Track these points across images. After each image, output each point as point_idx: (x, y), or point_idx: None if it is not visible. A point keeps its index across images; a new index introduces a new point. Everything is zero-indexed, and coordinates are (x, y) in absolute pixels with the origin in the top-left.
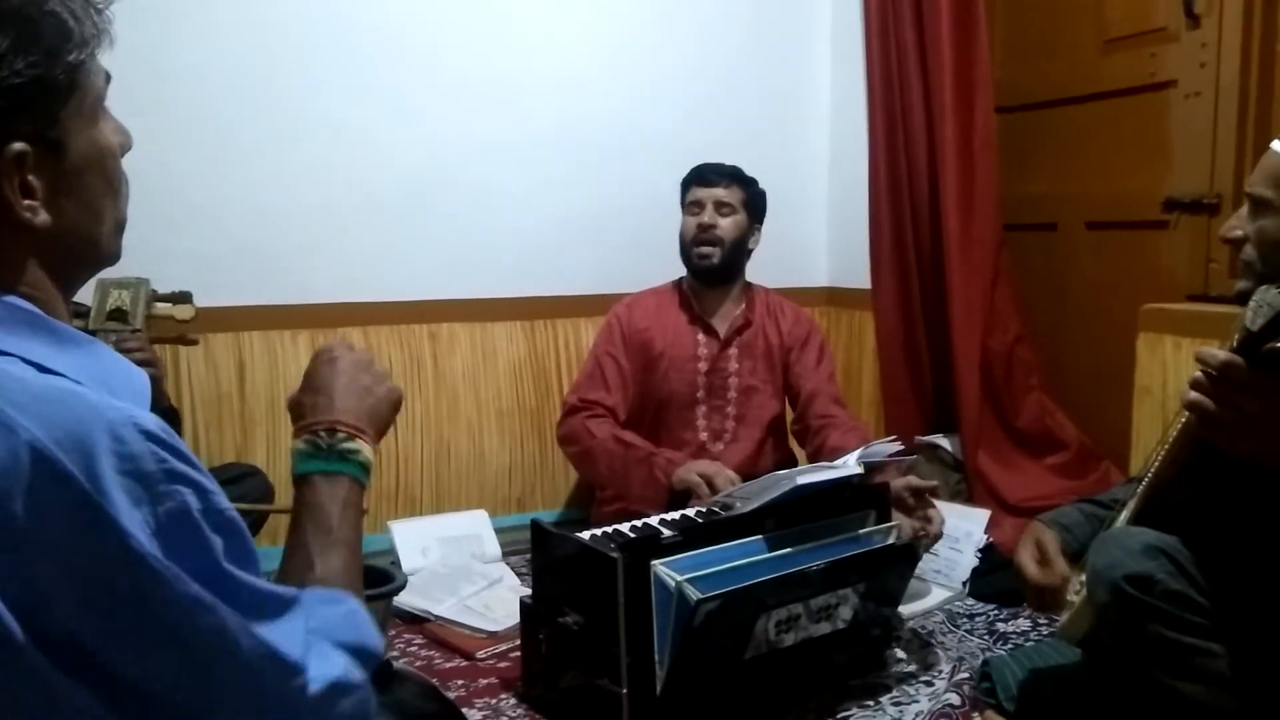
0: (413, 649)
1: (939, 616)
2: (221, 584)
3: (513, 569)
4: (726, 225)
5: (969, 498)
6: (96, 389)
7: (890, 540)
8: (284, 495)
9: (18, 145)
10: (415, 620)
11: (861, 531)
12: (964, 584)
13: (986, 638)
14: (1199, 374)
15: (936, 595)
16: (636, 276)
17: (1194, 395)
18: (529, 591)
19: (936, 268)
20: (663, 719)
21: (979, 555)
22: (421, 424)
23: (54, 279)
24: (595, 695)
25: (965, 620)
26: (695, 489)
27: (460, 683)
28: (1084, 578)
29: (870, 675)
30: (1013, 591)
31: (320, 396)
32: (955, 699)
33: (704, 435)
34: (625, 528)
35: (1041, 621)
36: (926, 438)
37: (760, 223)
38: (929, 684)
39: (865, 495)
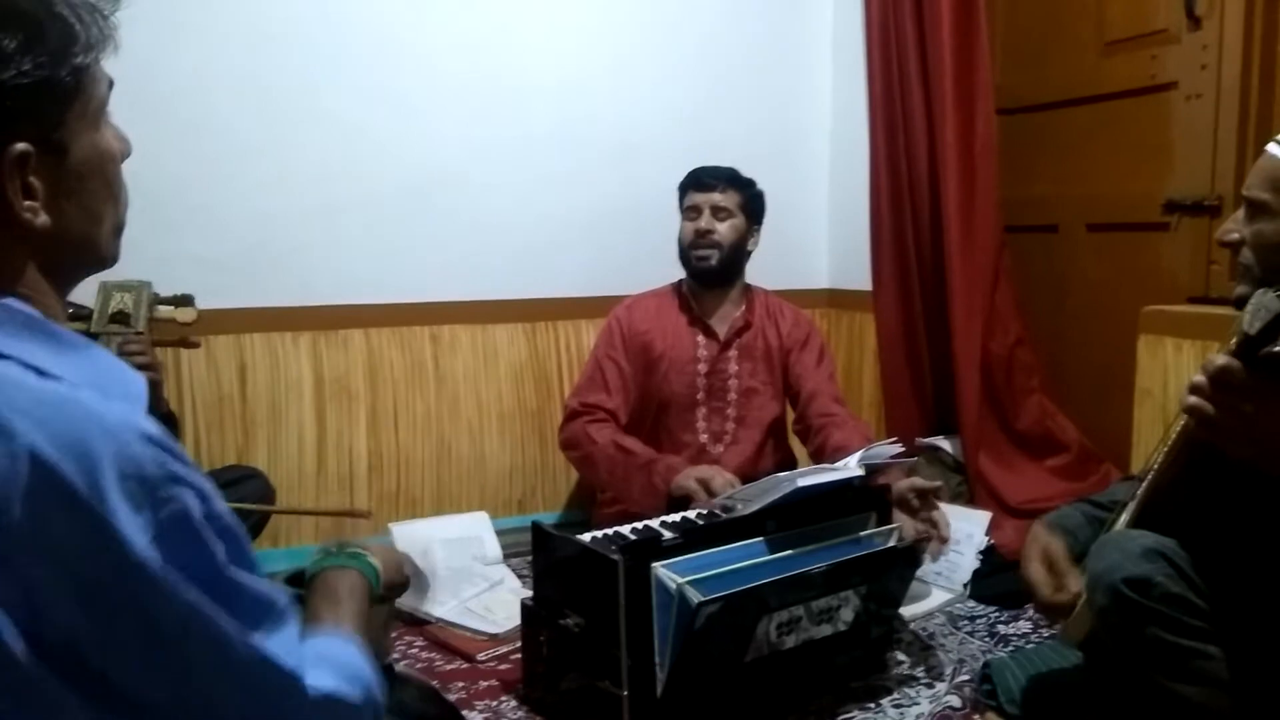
0: (413, 651)
1: (940, 618)
2: (224, 586)
3: (514, 571)
4: (724, 230)
5: (970, 499)
6: (94, 393)
7: (892, 542)
8: (285, 498)
9: (21, 146)
10: (416, 622)
11: (863, 534)
12: (965, 586)
13: (987, 640)
14: (1198, 378)
15: (937, 597)
16: (637, 278)
17: (1192, 399)
18: (530, 594)
19: (937, 269)
20: None
21: (980, 557)
22: (422, 426)
23: (51, 281)
24: (596, 697)
25: (966, 622)
26: (693, 495)
27: (461, 685)
28: (1085, 581)
29: (871, 677)
30: (1014, 594)
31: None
32: (956, 701)
33: (704, 437)
34: (626, 530)
35: (1042, 624)
36: (927, 439)
37: (759, 224)
38: (930, 686)
39: (866, 497)
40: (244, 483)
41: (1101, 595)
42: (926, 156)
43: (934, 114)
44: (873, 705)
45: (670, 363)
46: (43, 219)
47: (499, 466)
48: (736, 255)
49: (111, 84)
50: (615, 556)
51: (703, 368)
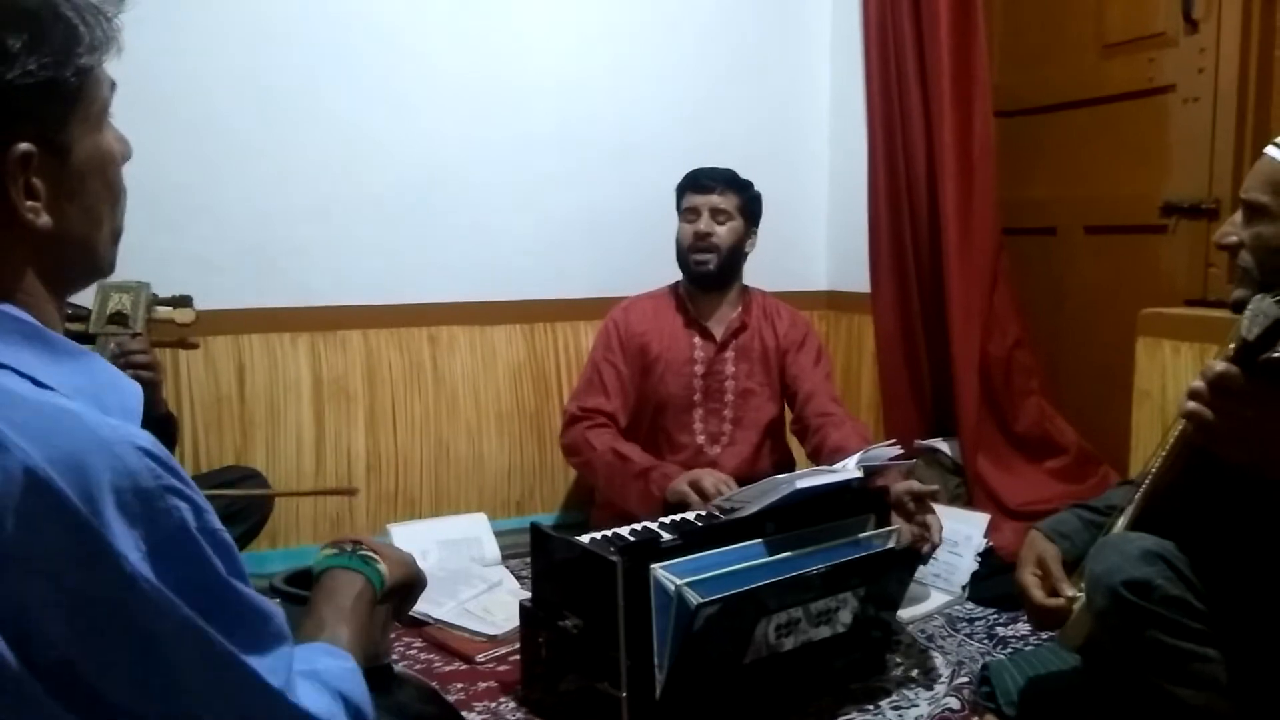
0: (412, 652)
1: (938, 620)
2: (222, 599)
3: (512, 572)
4: (723, 233)
5: (968, 502)
6: (89, 404)
7: (890, 544)
8: (282, 498)
9: (24, 146)
10: (414, 623)
11: (861, 535)
12: (963, 588)
13: (986, 642)
14: (1196, 383)
15: (936, 599)
16: (636, 279)
17: (1191, 404)
18: (528, 595)
19: (936, 272)
20: None
21: (978, 559)
22: (421, 427)
23: (49, 287)
24: (595, 699)
25: (965, 624)
26: (685, 498)
27: (459, 686)
28: (1083, 584)
29: (870, 679)
30: (1012, 596)
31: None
32: (955, 703)
33: (701, 438)
34: (625, 531)
35: None
36: (926, 441)
37: (756, 226)
38: (928, 688)
39: (865, 499)
40: (242, 483)
41: (1101, 597)
42: (925, 158)
43: (932, 116)
44: (871, 707)
45: (666, 364)
46: (44, 220)
47: (497, 467)
48: (734, 258)
49: (114, 86)
50: (614, 558)
51: (699, 369)
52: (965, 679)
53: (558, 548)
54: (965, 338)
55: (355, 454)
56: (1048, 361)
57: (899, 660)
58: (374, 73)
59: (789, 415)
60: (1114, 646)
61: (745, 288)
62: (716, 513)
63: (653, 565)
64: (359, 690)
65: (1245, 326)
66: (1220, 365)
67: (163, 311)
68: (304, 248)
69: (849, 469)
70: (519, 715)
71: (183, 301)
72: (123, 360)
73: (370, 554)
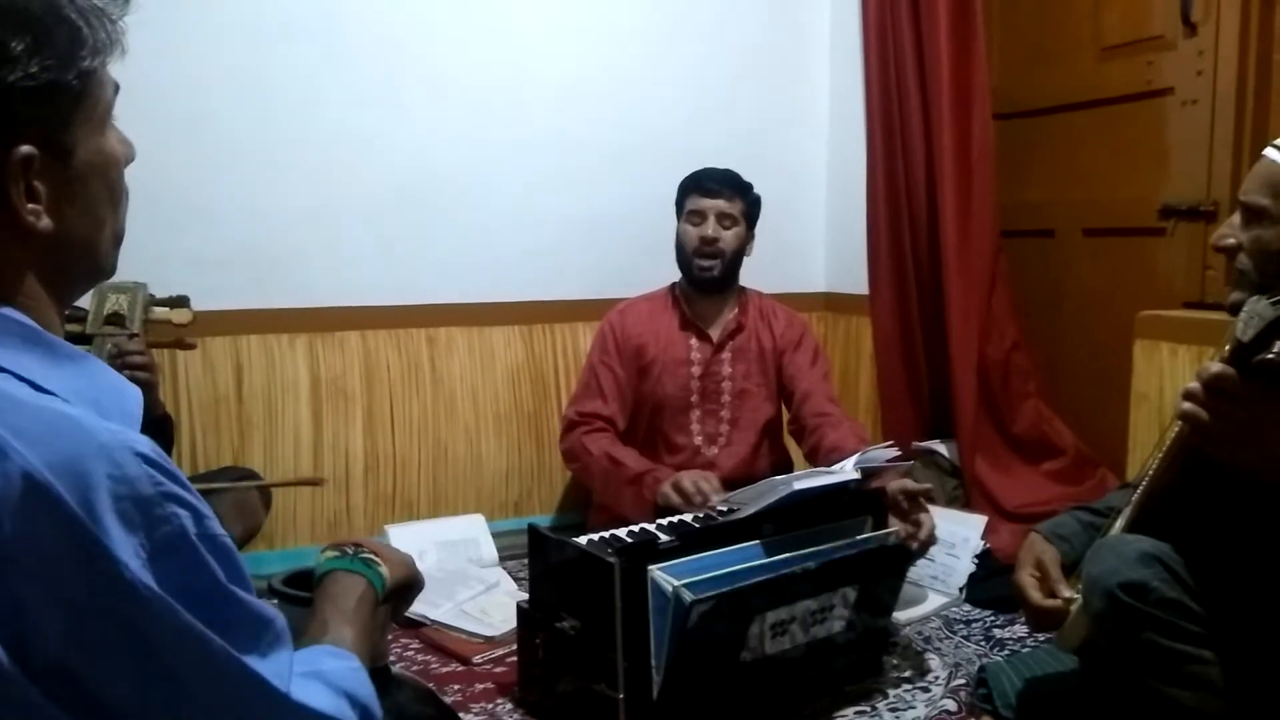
0: (409, 653)
1: (935, 622)
2: (222, 604)
3: (510, 573)
4: (729, 238)
5: (966, 503)
6: (89, 408)
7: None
8: (280, 498)
9: (26, 148)
10: (412, 625)
11: (859, 537)
12: (961, 590)
13: (983, 644)
14: (1192, 385)
15: (933, 601)
16: (634, 281)
17: (1187, 406)
18: (526, 596)
19: (934, 274)
20: None
21: (976, 561)
22: (419, 428)
23: (50, 290)
24: (592, 700)
25: (962, 626)
26: (669, 500)
27: (457, 687)
28: (1080, 586)
29: (867, 681)
30: (1009, 598)
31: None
32: (951, 705)
33: (698, 439)
34: (622, 533)
35: None
36: (924, 443)
37: (754, 229)
38: (925, 690)
39: (863, 500)
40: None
41: (1098, 600)
42: (923, 161)
43: (931, 119)
44: (868, 709)
45: (663, 366)
46: (45, 222)
47: (495, 469)
48: (737, 263)
49: (117, 88)
50: (611, 559)
51: (696, 370)
52: (962, 681)
53: (555, 549)
54: (963, 340)
55: (353, 455)
56: (1046, 364)
57: (896, 662)
58: (372, 74)
59: (786, 416)
60: (1110, 648)
61: (741, 289)
62: (715, 514)
63: (650, 567)
64: (365, 690)
65: (1240, 328)
66: (1215, 366)
67: (160, 312)
68: (302, 248)
69: (846, 471)
70: (516, 716)
71: (180, 302)
72: (120, 361)
73: (371, 556)
